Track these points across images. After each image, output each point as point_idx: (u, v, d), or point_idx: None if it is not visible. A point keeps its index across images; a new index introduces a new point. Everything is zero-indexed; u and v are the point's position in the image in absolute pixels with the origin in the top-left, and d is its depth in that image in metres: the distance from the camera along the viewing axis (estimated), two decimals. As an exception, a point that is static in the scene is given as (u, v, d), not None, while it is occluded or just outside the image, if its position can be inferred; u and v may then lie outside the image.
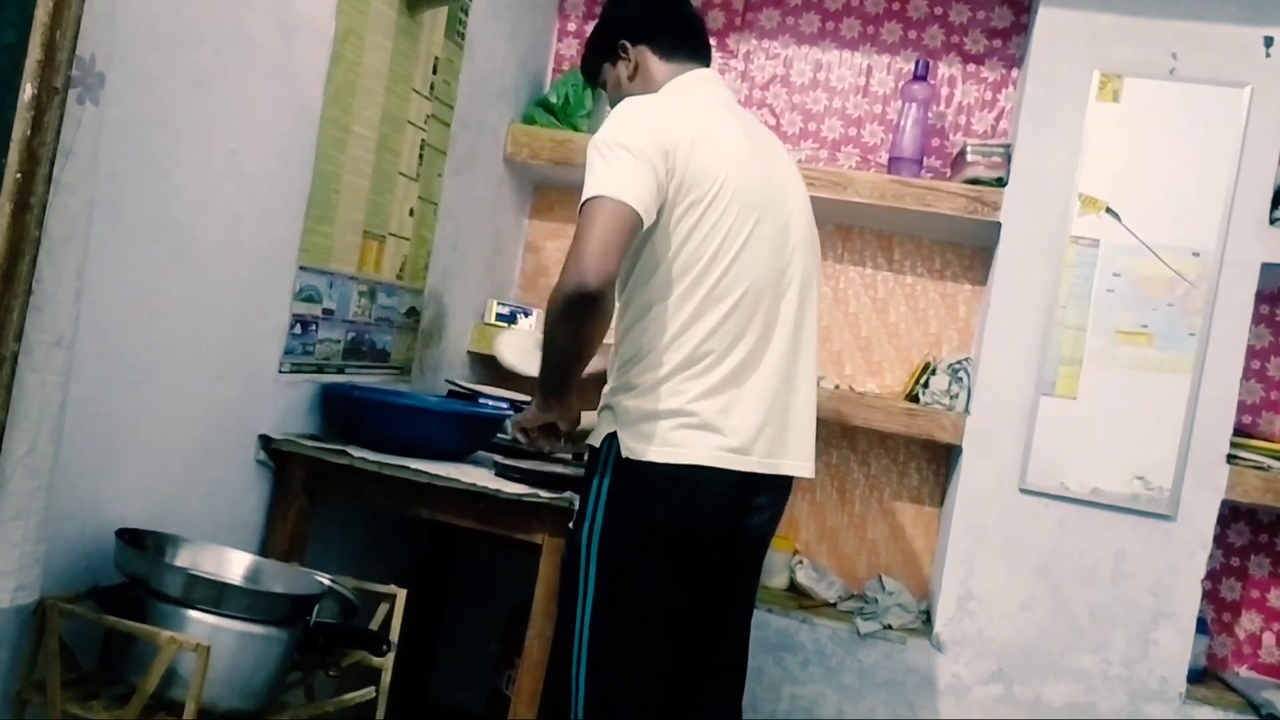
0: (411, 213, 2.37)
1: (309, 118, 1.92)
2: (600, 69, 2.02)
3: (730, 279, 1.74)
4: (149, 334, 1.63)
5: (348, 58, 2.00)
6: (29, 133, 1.05)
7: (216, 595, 1.41)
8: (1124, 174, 2.48)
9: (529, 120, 2.90)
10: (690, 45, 1.95)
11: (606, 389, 1.83)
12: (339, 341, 2.15)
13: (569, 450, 1.97)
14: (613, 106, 1.94)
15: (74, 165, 1.11)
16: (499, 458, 2.03)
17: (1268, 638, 2.66)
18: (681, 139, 1.72)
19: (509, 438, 1.95)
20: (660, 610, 1.76)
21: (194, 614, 1.40)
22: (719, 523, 1.78)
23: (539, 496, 1.84)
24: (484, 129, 2.70)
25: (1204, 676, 2.57)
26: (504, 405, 2.47)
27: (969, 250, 2.82)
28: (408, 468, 1.88)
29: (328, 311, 2.09)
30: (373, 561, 2.42)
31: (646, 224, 1.66)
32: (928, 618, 2.68)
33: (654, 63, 1.93)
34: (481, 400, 2.49)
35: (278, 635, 1.45)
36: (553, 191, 3.07)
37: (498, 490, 1.85)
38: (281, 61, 1.82)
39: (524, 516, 1.86)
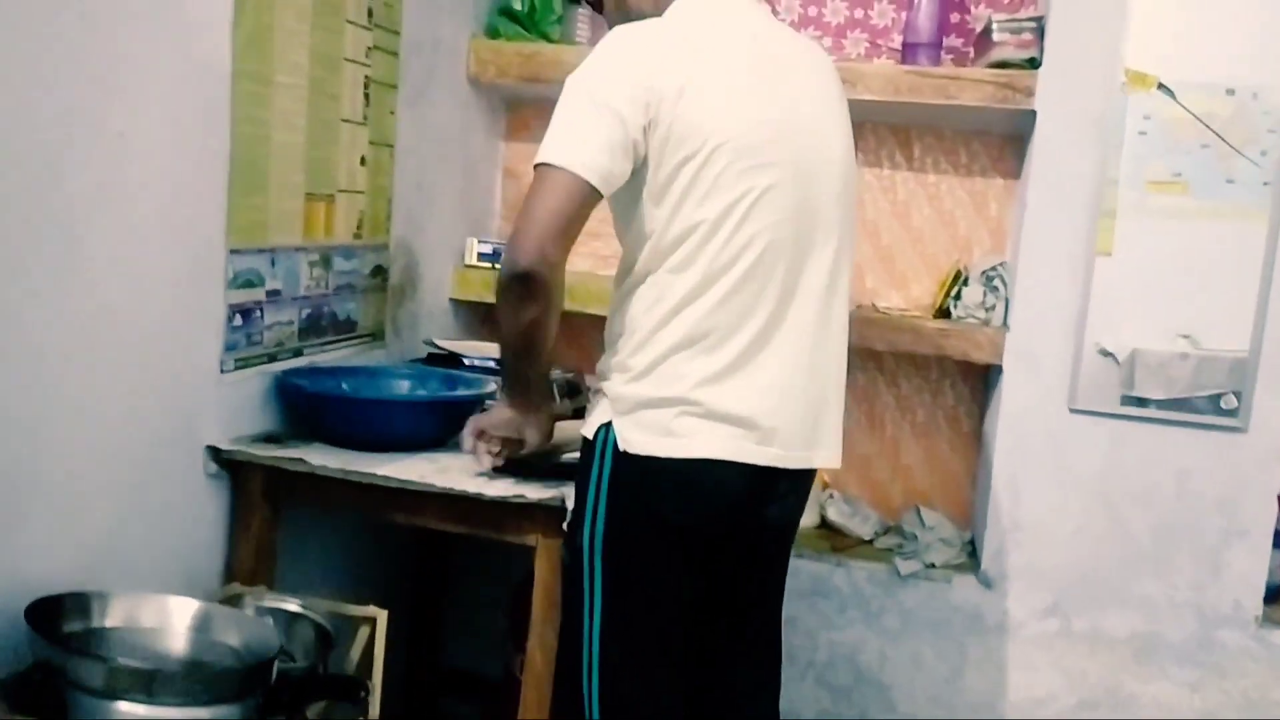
0: (363, 161, 2.09)
1: (216, 75, 1.63)
2: None
3: (736, 245, 1.46)
4: (50, 363, 1.39)
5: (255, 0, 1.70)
6: None
7: (146, 683, 1.20)
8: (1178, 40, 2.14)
9: (492, 33, 2.57)
10: None
11: (600, 367, 1.59)
12: (291, 322, 1.90)
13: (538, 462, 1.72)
14: (611, 27, 1.65)
15: None
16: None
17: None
18: (668, 85, 1.43)
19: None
20: (676, 613, 1.56)
21: (123, 706, 1.20)
22: (735, 517, 1.55)
23: (525, 498, 1.61)
24: (440, 49, 2.38)
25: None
26: (490, 364, 2.23)
27: (997, 139, 2.51)
28: (374, 474, 1.65)
29: (273, 293, 1.83)
30: (354, 569, 2.22)
31: (607, 192, 1.44)
32: (973, 549, 2.47)
33: None
34: (464, 361, 2.25)
35: (227, 714, 1.25)
36: (528, 109, 2.76)
37: (479, 494, 1.62)
38: (170, 12, 1.52)
39: (512, 517, 1.65)
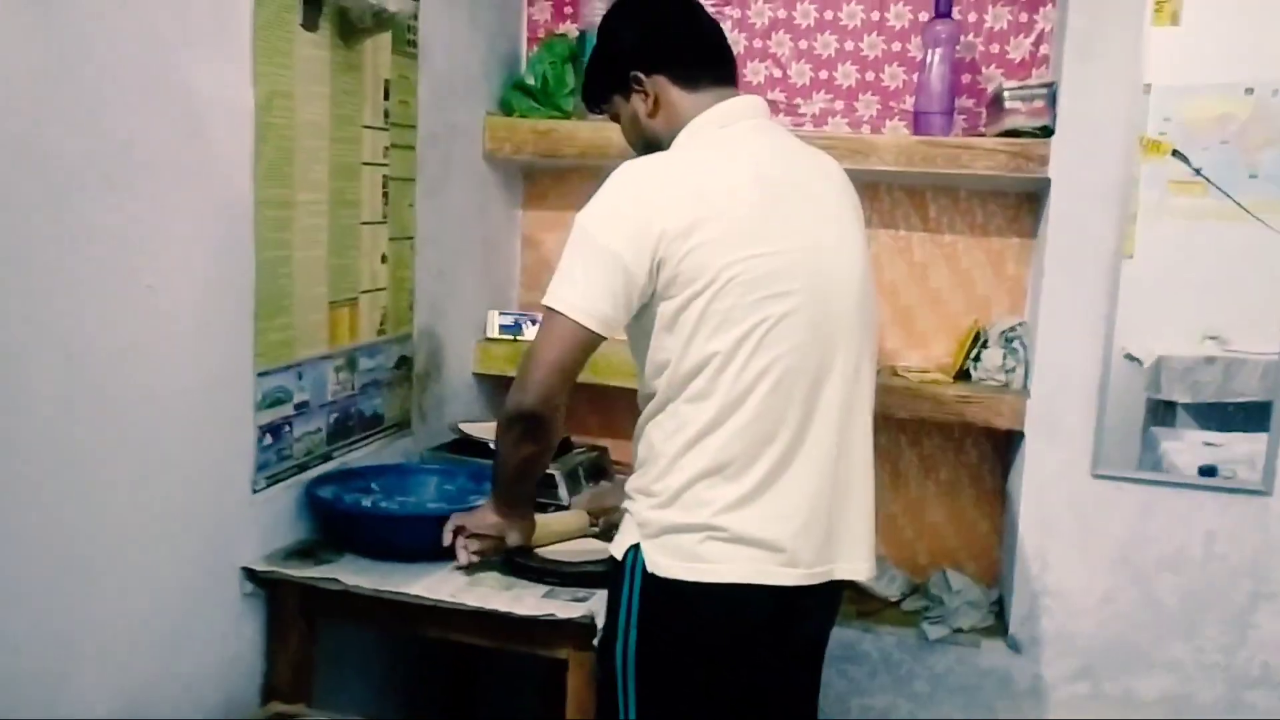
0: (384, 259, 2.11)
1: (240, 210, 1.66)
2: (608, 99, 1.72)
3: (751, 374, 1.48)
4: (92, 507, 1.43)
5: (276, 126, 1.72)
6: None
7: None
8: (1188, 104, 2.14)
9: (506, 107, 2.59)
10: (713, 65, 1.65)
11: (626, 489, 1.61)
12: (319, 430, 1.93)
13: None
14: (631, 146, 1.73)
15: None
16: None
17: (1377, 598, 2.42)
18: (673, 226, 1.46)
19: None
20: (711, 725, 1.58)
21: None
22: (765, 637, 1.57)
23: (555, 616, 1.63)
24: (456, 133, 2.40)
25: (1308, 650, 2.36)
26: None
27: (1013, 200, 2.51)
28: (407, 592, 1.68)
29: (301, 405, 1.86)
30: (390, 679, 2.26)
31: (610, 334, 1.52)
32: (1000, 609, 2.48)
33: (676, 94, 1.63)
34: (492, 447, 2.26)
35: None
36: (545, 177, 2.78)
37: (509, 612, 1.64)
38: (195, 160, 1.55)
39: (544, 632, 1.67)
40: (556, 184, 2.77)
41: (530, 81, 2.57)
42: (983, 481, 2.59)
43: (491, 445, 2.24)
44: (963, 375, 2.45)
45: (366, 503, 1.91)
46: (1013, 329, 2.42)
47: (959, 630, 2.39)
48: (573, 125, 2.51)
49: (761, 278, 1.49)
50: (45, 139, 1.28)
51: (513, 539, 1.74)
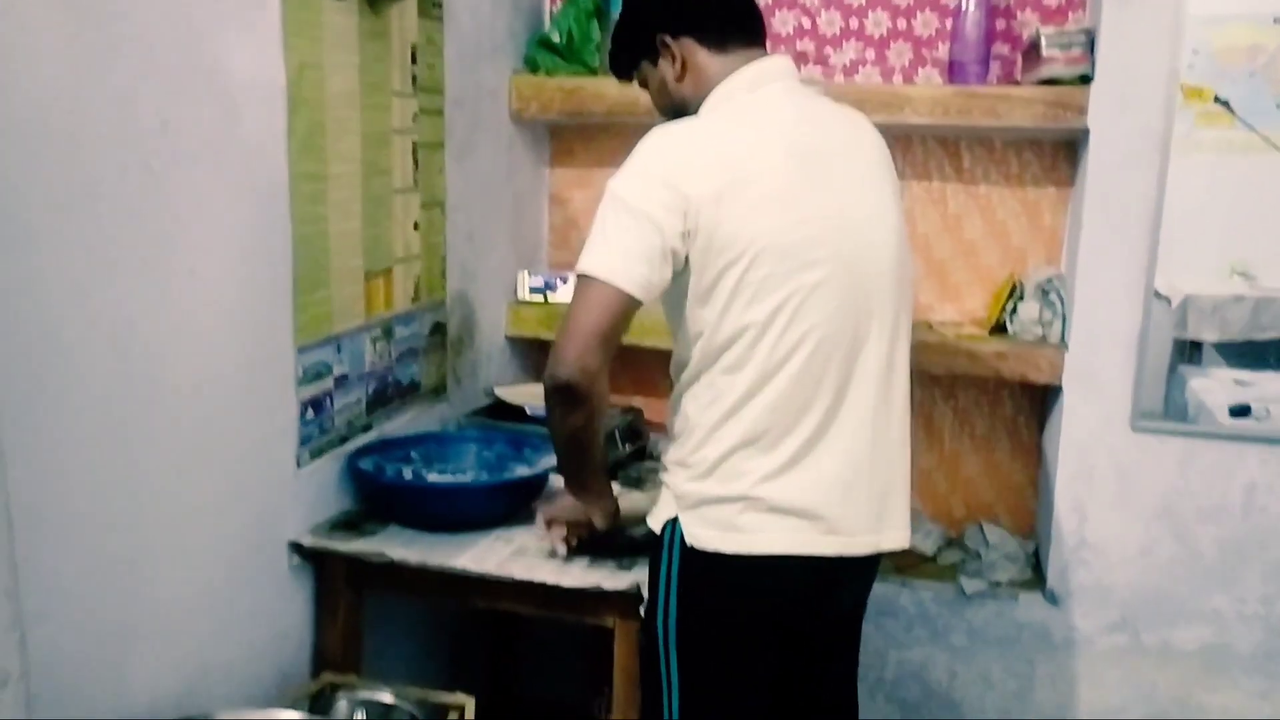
0: (416, 226, 2.10)
1: (275, 186, 1.65)
2: (636, 66, 1.69)
3: (787, 344, 1.47)
4: (145, 489, 1.44)
5: (308, 98, 1.70)
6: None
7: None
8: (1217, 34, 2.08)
9: (531, 65, 2.55)
10: (742, 25, 1.62)
11: (663, 460, 1.61)
12: (359, 401, 1.94)
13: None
14: (660, 112, 1.69)
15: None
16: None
17: None
18: (702, 192, 1.43)
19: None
20: (751, 693, 1.59)
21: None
22: (804, 607, 1.58)
23: (601, 588, 1.64)
24: (482, 94, 2.37)
25: (1347, 598, 2.35)
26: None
27: (1049, 148, 2.46)
28: (453, 565, 1.70)
29: (340, 378, 1.87)
30: (435, 647, 2.29)
31: (648, 299, 1.47)
32: (1036, 561, 2.48)
33: (704, 57, 1.60)
34: (527, 411, 2.27)
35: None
36: (571, 134, 2.74)
37: (555, 583, 1.66)
38: (230, 139, 1.54)
39: (590, 601, 1.69)
40: (584, 141, 2.74)
41: (555, 38, 2.53)
42: (1018, 435, 2.58)
43: (527, 410, 2.27)
44: (998, 329, 2.43)
45: (408, 474, 1.92)
46: (1049, 281, 2.39)
47: (996, 583, 2.40)
48: (600, 82, 2.47)
49: (795, 246, 1.47)
50: (86, 127, 1.27)
51: (597, 520, 1.70)
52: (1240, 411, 2.21)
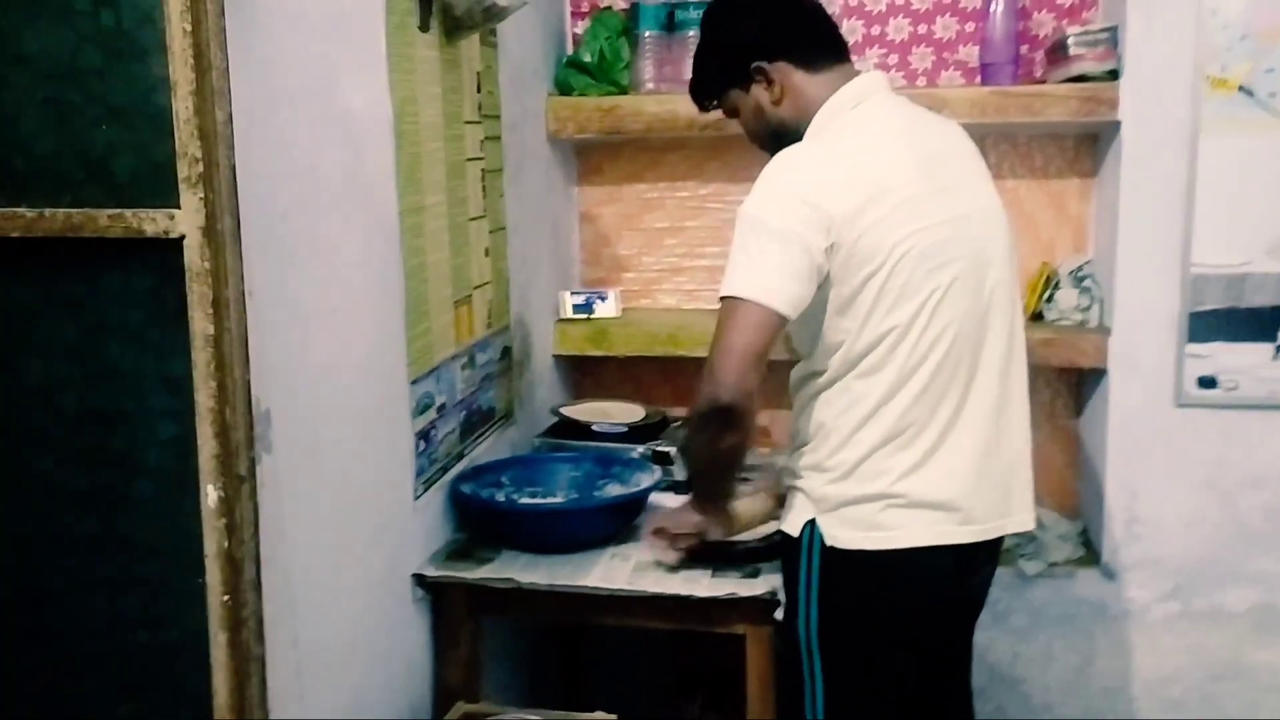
0: (487, 253, 2.11)
1: (388, 221, 1.65)
2: (723, 94, 1.71)
3: (925, 343, 1.53)
4: (292, 529, 1.41)
5: (408, 132, 1.71)
6: (225, 544, 0.83)
7: None
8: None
9: (564, 87, 2.57)
10: (830, 44, 1.67)
11: (791, 466, 1.65)
12: (454, 430, 1.94)
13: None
14: (752, 138, 1.72)
15: (266, 534, 0.89)
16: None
17: None
18: (844, 209, 1.48)
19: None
20: (895, 690, 1.64)
21: None
22: (944, 596, 1.63)
23: (737, 595, 1.68)
24: (527, 117, 2.39)
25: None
26: (620, 429, 2.29)
27: (1071, 142, 2.56)
28: (584, 585, 1.72)
29: (441, 408, 1.87)
30: (550, 668, 2.30)
31: (795, 316, 1.50)
32: (1085, 539, 2.58)
33: (801, 79, 1.64)
34: (594, 429, 2.29)
35: None
36: (598, 152, 2.77)
37: (689, 595, 1.69)
38: (354, 176, 1.54)
39: (720, 611, 1.72)
40: (611, 158, 2.76)
41: (586, 59, 2.55)
42: (1056, 419, 2.67)
43: (594, 427, 2.29)
44: (1036, 317, 2.52)
45: (517, 498, 1.93)
46: (1081, 268, 2.49)
47: (1053, 564, 2.48)
48: (636, 100, 2.50)
49: (929, 249, 1.52)
50: (255, 174, 1.26)
51: (715, 534, 1.74)
52: (1208, 383, 2.33)
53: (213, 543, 0.88)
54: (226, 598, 0.88)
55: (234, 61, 0.98)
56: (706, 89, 1.75)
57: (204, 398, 0.87)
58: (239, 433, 0.89)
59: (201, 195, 0.89)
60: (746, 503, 1.94)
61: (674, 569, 1.77)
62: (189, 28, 0.87)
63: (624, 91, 2.55)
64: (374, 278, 1.61)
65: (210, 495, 0.86)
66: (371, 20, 1.59)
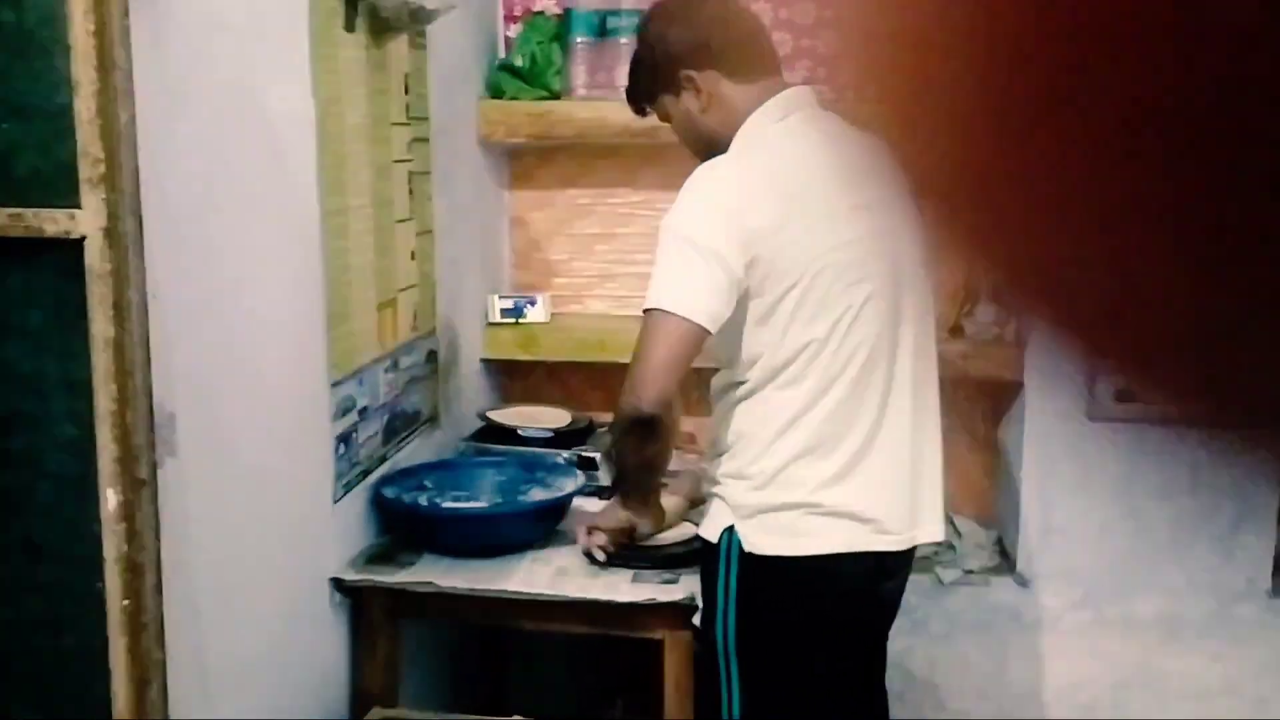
0: (413, 255, 2.10)
1: (309, 222, 1.64)
2: (656, 101, 1.73)
3: (843, 356, 1.56)
4: (201, 532, 1.40)
5: (332, 133, 1.70)
6: (125, 548, 0.82)
7: None
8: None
9: (495, 90, 2.57)
10: (760, 54, 1.69)
11: (711, 473, 1.67)
12: (376, 434, 1.93)
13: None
14: (685, 142, 1.74)
15: (169, 539, 0.88)
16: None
17: (1339, 510, 2.65)
18: (764, 222, 1.51)
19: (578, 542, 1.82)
20: (812, 695, 1.67)
21: None
22: (858, 600, 1.67)
23: (657, 600, 1.69)
24: (457, 121, 2.39)
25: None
26: (545, 434, 2.29)
27: (994, 159, 2.62)
28: (506, 589, 1.72)
29: (363, 410, 1.86)
30: (473, 673, 2.29)
31: (716, 329, 1.53)
32: (1001, 547, 2.63)
33: (729, 89, 1.66)
34: (520, 433, 2.30)
35: None
36: (530, 157, 2.76)
37: (609, 600, 1.70)
38: (273, 176, 1.53)
39: (639, 616, 1.73)
40: (544, 163, 2.76)
41: (518, 62, 2.56)
42: (975, 430, 2.73)
43: (520, 431, 2.29)
44: (955, 330, 2.57)
45: (440, 502, 1.93)
46: (1000, 283, 2.54)
47: (969, 571, 2.54)
48: (568, 106, 2.51)
49: (846, 265, 1.56)
50: (164, 175, 1.25)
51: (644, 529, 1.77)
52: (1127, 397, 2.40)
53: (112, 547, 0.87)
54: (127, 602, 0.87)
55: (143, 61, 0.97)
56: (641, 94, 1.77)
57: (104, 400, 0.86)
58: (140, 436, 0.88)
59: (103, 196, 0.89)
60: (669, 501, 1.97)
61: (603, 566, 1.79)
62: (93, 27, 0.87)
63: (556, 97, 2.56)
64: (294, 280, 1.60)
65: (110, 499, 0.85)
66: (294, 20, 1.58)
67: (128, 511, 0.86)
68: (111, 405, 0.85)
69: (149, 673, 0.89)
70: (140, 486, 0.88)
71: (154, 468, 0.92)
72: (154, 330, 1.00)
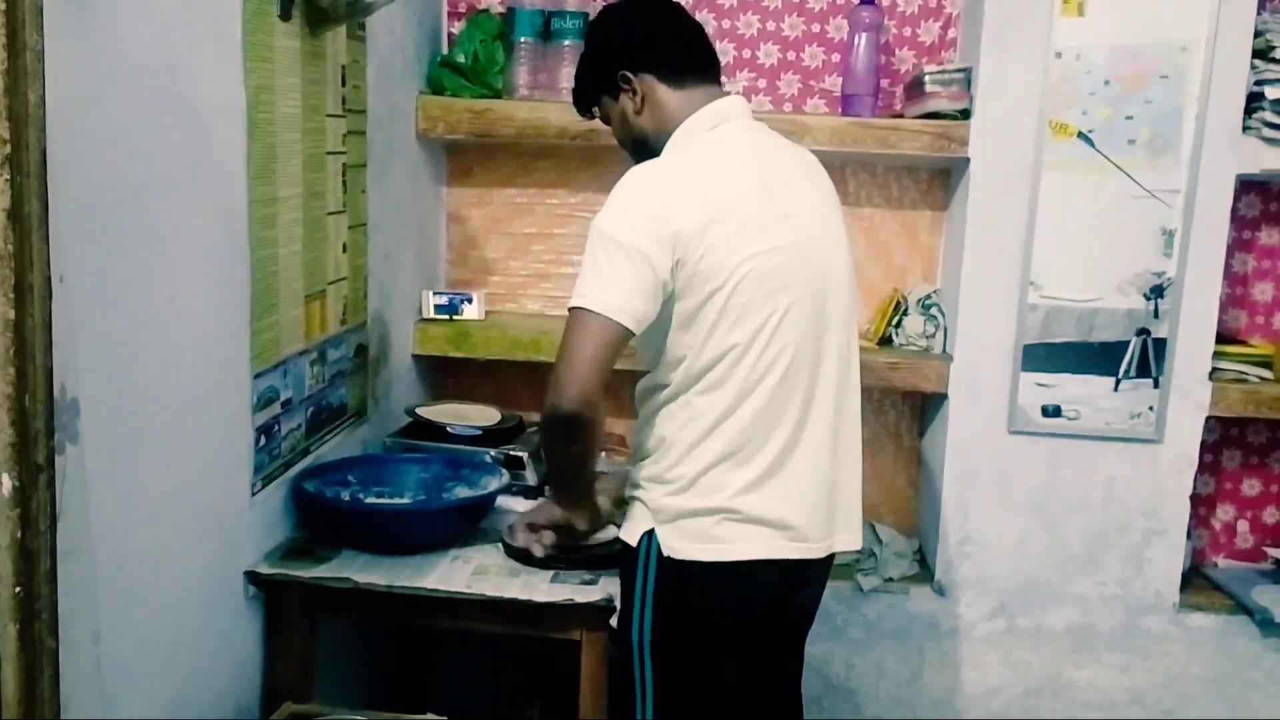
0: (345, 248, 2.09)
1: (236, 211, 1.62)
2: (597, 100, 1.77)
3: (764, 363, 1.58)
4: (112, 519, 1.38)
5: (262, 122, 1.68)
6: (19, 534, 0.81)
7: None
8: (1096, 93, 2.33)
9: (436, 86, 2.56)
10: (698, 64, 1.72)
11: (633, 477, 1.68)
12: (300, 426, 1.92)
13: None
14: (621, 143, 1.79)
15: (67, 526, 0.87)
16: (506, 536, 1.87)
17: (1242, 525, 2.74)
18: (689, 226, 1.52)
19: (508, 539, 1.82)
20: (724, 699, 1.69)
21: None
22: (773, 608, 1.69)
23: (574, 601, 1.70)
24: (396, 115, 2.37)
25: (1188, 575, 2.65)
26: (474, 431, 2.29)
27: (925, 175, 2.67)
28: (423, 587, 1.71)
29: (286, 403, 1.85)
30: (391, 671, 2.27)
31: (639, 330, 1.55)
32: (922, 557, 2.68)
33: (663, 92, 1.70)
34: (449, 430, 2.29)
35: None
36: (470, 153, 2.76)
37: (528, 600, 1.70)
38: (200, 164, 1.51)
39: (558, 616, 1.73)
40: (483, 161, 2.76)
41: (460, 59, 2.55)
42: (900, 440, 2.78)
43: (449, 429, 2.29)
44: (885, 341, 2.62)
45: (363, 497, 1.91)
46: (929, 296, 2.59)
47: (889, 579, 2.58)
48: (509, 105, 2.51)
49: (769, 272, 1.58)
50: (79, 158, 1.23)
51: (581, 525, 1.77)
52: (1052, 412, 2.46)
53: (6, 533, 0.85)
54: (18, 589, 0.86)
55: (62, 43, 0.96)
56: (582, 95, 1.81)
57: (1, 384, 0.85)
58: (38, 421, 0.87)
59: (7, 177, 0.87)
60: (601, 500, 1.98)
61: (524, 564, 1.79)
62: (3, 7, 0.85)
63: (497, 95, 2.56)
64: (219, 268, 1.59)
65: (5, 484, 0.84)
66: (226, 6, 1.56)
67: (22, 496, 0.85)
68: (9, 389, 0.84)
69: (41, 660, 0.87)
70: (38, 472, 0.87)
71: (51, 453, 0.91)
72: (60, 314, 0.99)
